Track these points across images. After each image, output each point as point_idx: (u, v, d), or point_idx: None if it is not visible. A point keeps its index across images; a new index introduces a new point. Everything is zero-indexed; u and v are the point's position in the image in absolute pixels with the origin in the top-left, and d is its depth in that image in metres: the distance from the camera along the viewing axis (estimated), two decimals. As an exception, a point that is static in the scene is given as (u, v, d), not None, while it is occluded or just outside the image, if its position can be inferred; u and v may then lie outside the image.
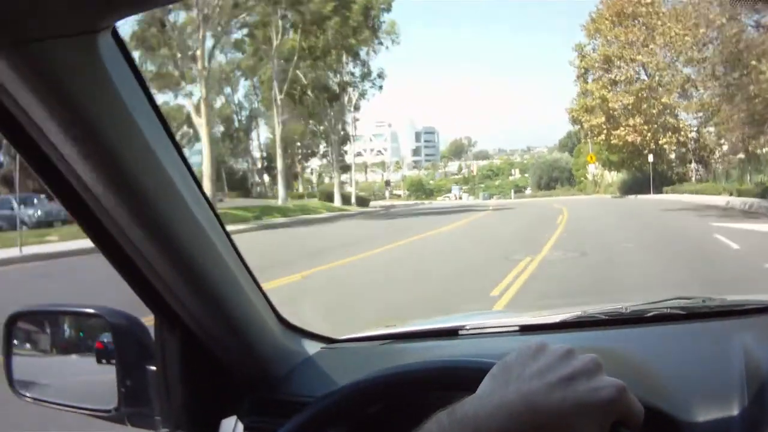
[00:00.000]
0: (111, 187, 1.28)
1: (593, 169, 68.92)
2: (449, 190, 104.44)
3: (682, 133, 58.31)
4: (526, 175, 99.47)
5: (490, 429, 0.94)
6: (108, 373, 1.73)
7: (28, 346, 1.97)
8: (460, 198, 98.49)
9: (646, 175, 57.51)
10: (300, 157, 77.39)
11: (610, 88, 59.52)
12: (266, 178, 78.64)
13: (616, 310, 2.20)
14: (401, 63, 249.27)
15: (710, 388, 1.60)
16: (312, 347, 2.07)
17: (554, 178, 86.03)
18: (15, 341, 1.89)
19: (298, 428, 1.35)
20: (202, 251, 1.51)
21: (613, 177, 66.22)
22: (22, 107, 1.13)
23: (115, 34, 1.17)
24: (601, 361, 1.06)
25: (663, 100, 57.61)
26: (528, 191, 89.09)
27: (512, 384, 0.99)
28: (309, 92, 59.10)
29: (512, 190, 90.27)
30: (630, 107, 57.92)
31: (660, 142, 57.87)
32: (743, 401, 1.53)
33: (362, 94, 67.39)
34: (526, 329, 2.13)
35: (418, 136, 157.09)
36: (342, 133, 70.98)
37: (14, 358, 1.89)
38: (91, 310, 1.81)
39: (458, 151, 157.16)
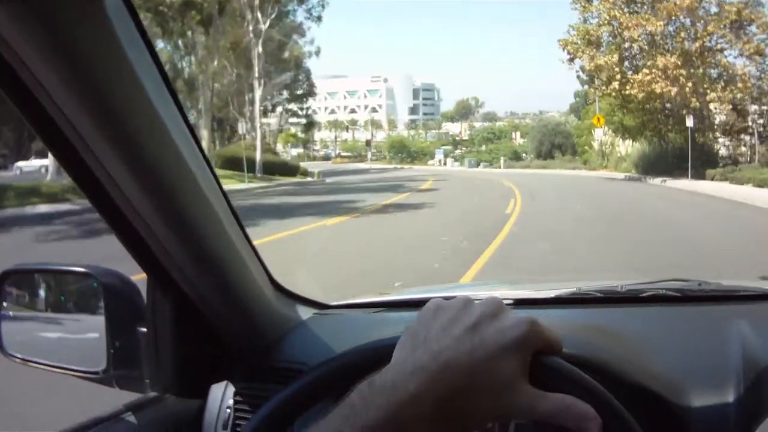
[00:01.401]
0: (110, 145, 1.25)
1: (600, 135, 50.05)
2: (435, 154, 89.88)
3: (741, 85, 36.32)
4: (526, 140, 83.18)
5: (409, 394, 0.90)
6: (98, 334, 1.67)
7: (17, 305, 1.89)
8: (444, 164, 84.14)
9: (677, 148, 37.74)
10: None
11: (625, 6, 37.95)
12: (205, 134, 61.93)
13: (612, 288, 2.16)
14: (404, 18, 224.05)
15: (706, 374, 1.59)
16: (305, 313, 2.01)
17: (556, 144, 68.94)
18: (3, 302, 1.81)
19: (294, 395, 1.22)
20: (200, 211, 1.45)
21: (628, 147, 46.56)
22: (24, 62, 1.10)
23: None
24: (500, 299, 1.02)
25: (710, 28, 36.01)
26: (528, 159, 73.41)
27: (420, 347, 0.95)
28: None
29: (501, 159, 73.75)
30: (658, 38, 36.96)
31: (708, 97, 36.84)
32: (739, 389, 1.52)
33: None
34: (520, 303, 2.06)
35: (416, 93, 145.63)
36: (305, 84, 68.43)
37: (3, 317, 1.82)
38: (81, 269, 1.73)
39: (465, 112, 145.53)
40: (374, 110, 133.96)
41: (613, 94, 39.24)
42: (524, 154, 76.90)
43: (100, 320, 1.67)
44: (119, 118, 1.21)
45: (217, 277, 1.59)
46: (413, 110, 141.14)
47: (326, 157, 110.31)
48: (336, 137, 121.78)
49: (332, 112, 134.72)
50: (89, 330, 1.71)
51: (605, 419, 0.93)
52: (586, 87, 49.42)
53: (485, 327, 0.95)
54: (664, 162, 37.83)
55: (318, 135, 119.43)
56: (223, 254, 1.57)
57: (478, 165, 76.46)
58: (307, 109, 75.95)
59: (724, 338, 1.70)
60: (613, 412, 0.98)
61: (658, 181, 34.50)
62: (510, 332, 0.94)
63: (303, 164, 64.68)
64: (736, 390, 1.50)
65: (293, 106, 73.58)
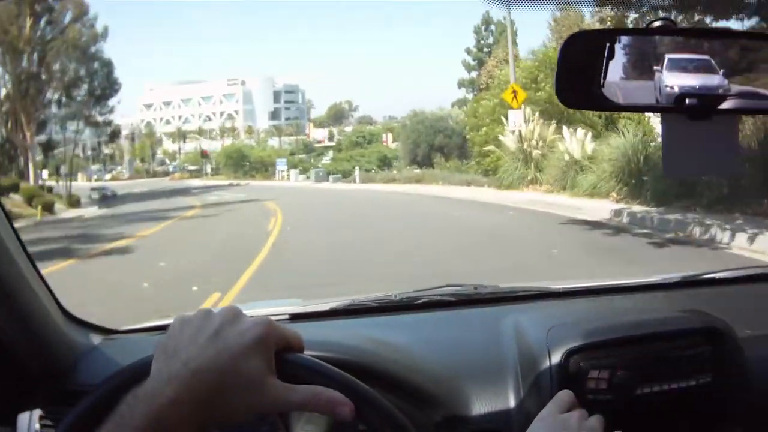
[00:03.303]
0: None
1: (518, 121, 27.15)
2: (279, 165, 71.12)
3: None
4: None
5: (168, 399, 0.95)
6: None
7: None
8: (288, 177, 66.20)
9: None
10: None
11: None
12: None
13: (386, 298, 2.19)
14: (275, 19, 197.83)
15: (485, 371, 1.68)
16: (96, 338, 1.99)
17: (436, 147, 48.87)
18: None
19: (78, 417, 1.22)
20: None
21: (586, 144, 23.32)
22: None
23: None
24: (237, 306, 1.08)
25: None
26: (399, 167, 53.06)
27: (172, 358, 0.99)
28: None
29: (356, 170, 53.32)
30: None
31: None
32: (517, 382, 1.64)
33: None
34: (296, 317, 2.10)
35: (277, 95, 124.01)
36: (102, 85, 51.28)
37: None
38: None
39: (338, 116, 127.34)
40: (230, 117, 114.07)
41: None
42: (395, 161, 58.72)
43: None
44: None
45: (8, 307, 1.55)
46: (274, 115, 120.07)
47: (166, 173, 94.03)
48: (179, 149, 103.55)
49: (186, 120, 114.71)
50: None
51: (357, 403, 0.98)
52: (474, 73, 43.89)
53: (226, 332, 1.00)
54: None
55: (178, 147, 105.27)
56: (13, 285, 1.55)
57: (327, 178, 57.74)
58: (108, 112, 54.45)
59: (501, 336, 1.80)
60: (364, 396, 1.03)
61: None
62: (249, 333, 0.99)
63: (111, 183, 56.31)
64: (514, 383, 1.63)
65: (95, 113, 53.51)
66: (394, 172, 48.93)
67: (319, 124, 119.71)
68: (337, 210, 26.68)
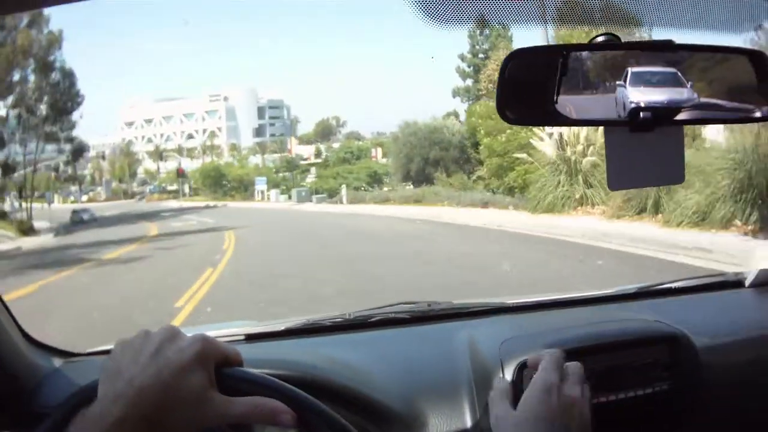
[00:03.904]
0: None
1: None
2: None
3: None
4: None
5: (114, 419, 0.97)
6: None
7: None
8: (268, 198, 60.82)
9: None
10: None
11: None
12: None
13: (341, 316, 2.20)
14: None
15: (440, 387, 1.69)
16: (57, 361, 1.98)
17: (433, 161, 41.69)
18: None
19: None
20: None
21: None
22: None
23: None
24: (175, 326, 1.10)
25: None
26: (390, 184, 48.55)
27: (117, 379, 1.01)
28: None
29: (343, 188, 47.30)
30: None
31: None
32: (472, 396, 1.65)
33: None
34: (251, 338, 2.08)
35: (261, 111, 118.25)
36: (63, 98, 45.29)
37: None
38: None
39: (326, 132, 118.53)
40: (213, 134, 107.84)
41: None
42: (386, 177, 53.22)
43: None
44: None
45: None
46: (259, 131, 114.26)
47: (143, 194, 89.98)
48: (158, 168, 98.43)
49: (168, 138, 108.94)
50: None
51: (299, 412, 1.01)
52: (469, 81, 44.09)
53: (166, 350, 1.01)
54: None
55: (157, 167, 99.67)
56: None
57: (310, 198, 51.98)
58: (70, 127, 48.86)
59: (454, 352, 1.81)
60: (304, 404, 1.04)
61: None
62: (188, 350, 1.01)
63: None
64: (469, 396, 1.64)
65: (56, 129, 47.80)
66: (386, 189, 45.15)
67: (306, 141, 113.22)
68: (312, 252, 19.31)
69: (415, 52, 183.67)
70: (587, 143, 19.84)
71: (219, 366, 1.03)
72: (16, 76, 42.21)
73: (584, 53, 1.26)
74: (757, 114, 1.29)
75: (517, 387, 1.48)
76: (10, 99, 41.67)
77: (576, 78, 1.23)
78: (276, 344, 2.06)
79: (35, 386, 1.79)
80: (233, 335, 2.07)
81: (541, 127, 20.05)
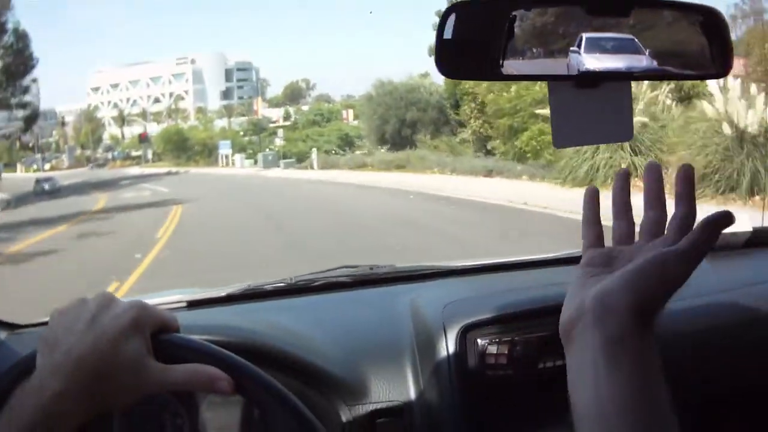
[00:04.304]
0: None
1: None
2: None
3: None
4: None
5: (53, 392, 0.94)
6: None
7: None
8: (232, 163, 58.14)
9: None
10: None
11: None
12: None
13: (283, 281, 2.17)
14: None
15: (382, 350, 1.68)
16: (1, 333, 1.94)
17: (410, 122, 38.89)
18: None
19: None
20: None
21: None
22: None
23: None
24: (110, 292, 1.07)
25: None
26: (361, 146, 46.10)
27: (54, 350, 0.98)
28: None
29: (313, 152, 44.01)
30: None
31: None
32: (414, 359, 1.64)
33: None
34: (193, 304, 2.04)
35: (229, 74, 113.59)
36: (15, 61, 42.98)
37: None
38: None
39: (295, 95, 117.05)
40: (180, 97, 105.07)
41: None
42: (358, 140, 49.73)
43: None
44: None
45: None
46: (226, 94, 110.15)
47: (105, 161, 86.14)
48: (122, 134, 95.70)
49: (134, 103, 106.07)
50: None
51: (236, 378, 0.98)
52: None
53: (102, 317, 0.99)
54: None
55: (121, 132, 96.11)
56: None
57: (278, 163, 49.00)
58: (22, 92, 45.62)
59: (396, 315, 1.79)
60: (242, 369, 1.02)
61: None
62: (124, 316, 0.99)
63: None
64: (411, 359, 1.63)
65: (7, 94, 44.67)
66: (358, 153, 42.33)
67: (275, 104, 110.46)
68: (274, 244, 14.33)
69: (388, 3, 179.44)
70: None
71: (156, 333, 1.01)
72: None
73: (532, 11, 1.15)
74: (711, 72, 1.22)
75: (460, 351, 1.59)
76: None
77: (523, 38, 1.14)
78: (216, 310, 2.02)
79: None
80: (173, 302, 2.03)
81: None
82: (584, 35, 1.13)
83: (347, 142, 49.92)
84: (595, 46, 1.14)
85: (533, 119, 19.58)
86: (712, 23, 1.19)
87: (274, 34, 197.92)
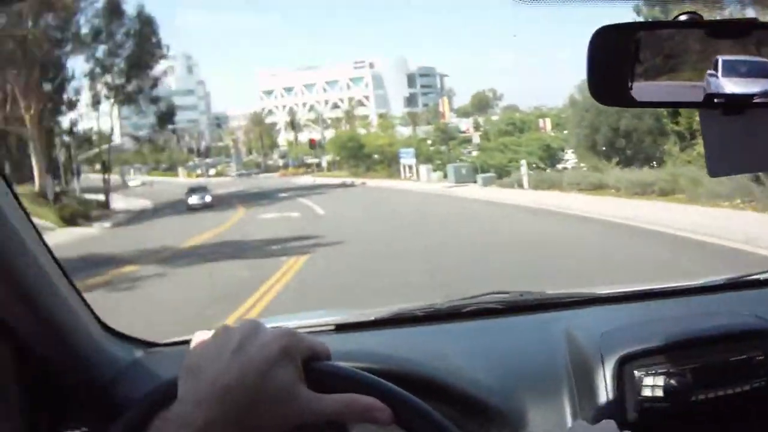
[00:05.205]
0: None
1: None
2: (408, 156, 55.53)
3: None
4: (565, 132, 48.11)
5: (197, 426, 0.93)
6: None
7: None
8: (417, 175, 50.26)
9: None
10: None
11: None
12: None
13: (432, 306, 2.14)
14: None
15: (537, 379, 1.66)
16: (137, 352, 1.96)
17: (624, 132, 34.12)
18: None
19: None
20: (18, 255, 1.40)
21: None
22: None
23: None
24: (256, 320, 1.05)
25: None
26: (570, 161, 40.45)
27: (199, 379, 0.96)
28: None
29: (522, 164, 36.66)
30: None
31: None
32: (572, 389, 1.61)
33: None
34: (341, 328, 2.04)
35: (411, 79, 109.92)
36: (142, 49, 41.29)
37: None
38: None
39: (482, 105, 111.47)
40: (360, 103, 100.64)
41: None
42: (563, 152, 45.34)
43: None
44: None
45: (44, 323, 1.50)
46: (410, 101, 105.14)
47: (278, 167, 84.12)
48: (296, 139, 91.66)
49: (311, 108, 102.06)
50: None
51: (394, 407, 0.96)
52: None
53: (249, 346, 0.96)
54: None
55: (294, 137, 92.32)
56: (48, 300, 1.50)
57: (473, 177, 40.67)
58: (153, 83, 43.71)
59: (551, 342, 1.76)
60: (401, 399, 0.99)
61: None
62: (273, 345, 0.96)
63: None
64: (568, 388, 1.60)
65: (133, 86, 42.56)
66: (584, 168, 35.57)
67: (462, 113, 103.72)
68: None
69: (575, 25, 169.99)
70: None
71: (307, 361, 0.98)
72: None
73: (665, 32, 1.20)
74: None
75: (619, 381, 1.57)
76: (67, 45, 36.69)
77: (657, 60, 1.17)
78: (365, 335, 2.01)
79: (114, 378, 1.73)
80: (321, 325, 2.03)
81: None
82: (720, 58, 1.11)
83: (550, 155, 45.27)
84: (732, 70, 1.10)
85: None
86: None
87: (458, 37, 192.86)
